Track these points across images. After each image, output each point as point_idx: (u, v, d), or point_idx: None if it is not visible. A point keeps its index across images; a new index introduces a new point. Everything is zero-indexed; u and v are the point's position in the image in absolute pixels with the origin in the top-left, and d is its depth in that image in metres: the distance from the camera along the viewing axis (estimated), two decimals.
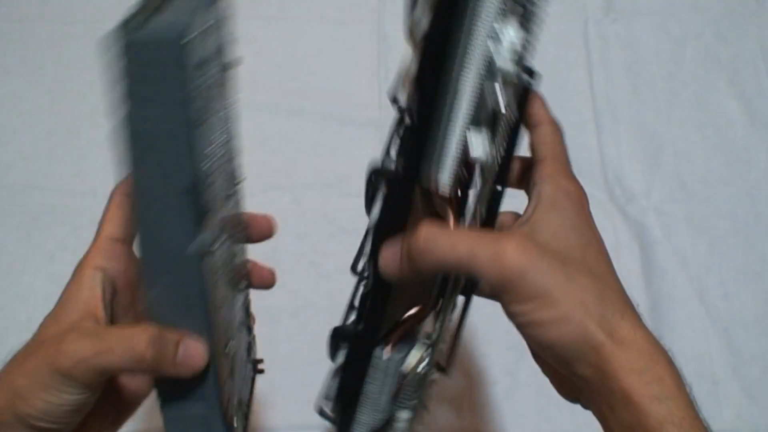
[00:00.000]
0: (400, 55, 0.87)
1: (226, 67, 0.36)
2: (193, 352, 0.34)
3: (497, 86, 0.33)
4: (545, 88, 0.83)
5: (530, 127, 0.38)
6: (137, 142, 0.30)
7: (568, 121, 0.82)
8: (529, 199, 0.36)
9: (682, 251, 0.70)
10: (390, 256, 0.34)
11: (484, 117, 0.34)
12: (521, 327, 0.33)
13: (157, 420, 0.36)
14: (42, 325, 0.37)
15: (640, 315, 0.34)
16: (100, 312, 0.36)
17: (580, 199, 0.36)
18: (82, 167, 0.73)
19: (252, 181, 0.73)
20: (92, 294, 0.36)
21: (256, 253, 0.71)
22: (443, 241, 0.33)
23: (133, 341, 0.33)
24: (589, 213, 0.37)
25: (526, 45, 0.35)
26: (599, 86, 0.77)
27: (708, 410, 0.70)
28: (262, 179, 0.72)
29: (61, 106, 0.75)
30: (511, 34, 0.33)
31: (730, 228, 0.72)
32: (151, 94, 0.29)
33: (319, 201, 0.72)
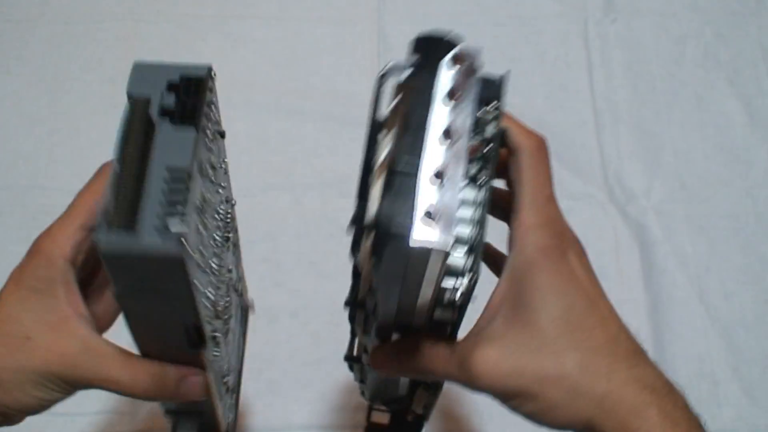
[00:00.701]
0: (400, 55, 0.86)
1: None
2: (193, 388, 0.36)
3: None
4: (546, 88, 0.83)
5: (509, 154, 0.36)
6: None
7: (568, 121, 0.83)
8: (508, 253, 0.35)
9: (682, 251, 0.70)
10: (381, 361, 0.37)
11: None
12: (518, 415, 0.34)
13: (159, 420, 0.36)
14: (7, 303, 0.36)
15: (633, 353, 0.33)
16: (84, 310, 0.36)
17: (560, 252, 0.34)
18: (82, 167, 0.72)
19: (252, 181, 0.73)
20: (70, 289, 0.36)
21: (256, 253, 0.71)
22: (422, 367, 0.35)
23: (137, 379, 0.35)
24: (573, 258, 0.34)
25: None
26: (599, 86, 0.77)
27: (708, 410, 0.70)
28: (262, 179, 0.72)
29: (61, 106, 0.75)
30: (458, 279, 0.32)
31: (730, 228, 0.72)
32: (163, 289, 0.31)
33: (319, 201, 0.72)
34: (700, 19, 0.80)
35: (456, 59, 0.32)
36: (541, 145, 0.35)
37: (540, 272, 0.33)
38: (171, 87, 0.32)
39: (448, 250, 0.28)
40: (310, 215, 0.71)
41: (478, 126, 0.33)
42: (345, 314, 0.40)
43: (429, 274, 0.30)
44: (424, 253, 0.29)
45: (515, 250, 0.34)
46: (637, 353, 0.34)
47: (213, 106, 0.35)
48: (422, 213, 0.29)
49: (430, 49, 0.32)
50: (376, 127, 0.34)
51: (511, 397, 0.33)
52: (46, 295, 0.35)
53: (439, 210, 0.29)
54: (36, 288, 0.36)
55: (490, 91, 0.34)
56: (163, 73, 0.33)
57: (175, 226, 0.28)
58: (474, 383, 0.33)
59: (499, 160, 0.34)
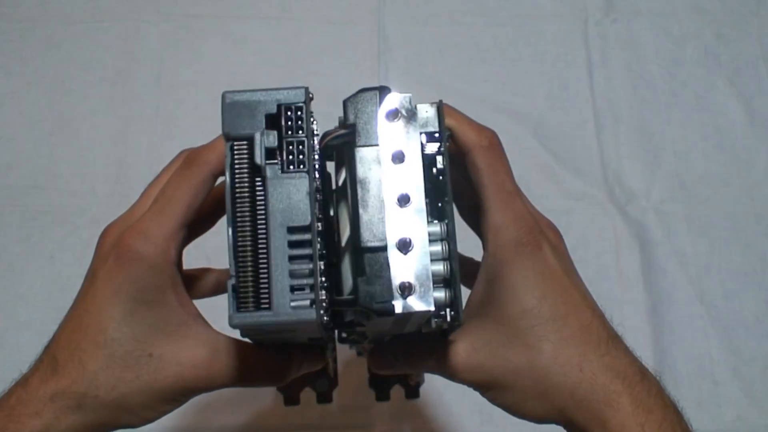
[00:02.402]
0: (400, 55, 0.87)
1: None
2: (313, 366, 0.40)
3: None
4: (546, 88, 0.83)
5: (462, 154, 0.35)
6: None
7: (568, 121, 0.83)
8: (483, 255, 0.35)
9: (682, 251, 0.70)
10: (376, 363, 0.39)
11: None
12: (498, 407, 0.35)
13: (164, 420, 0.35)
14: (112, 319, 0.32)
15: (606, 341, 0.33)
16: (196, 309, 0.35)
17: (532, 247, 0.33)
18: (82, 167, 0.73)
19: None
20: (180, 291, 0.34)
21: None
22: (410, 366, 0.37)
23: (270, 373, 0.36)
24: (547, 249, 0.34)
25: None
26: (599, 86, 0.77)
27: (708, 410, 0.70)
28: None
29: (61, 106, 0.75)
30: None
31: (730, 228, 0.72)
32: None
33: None
34: (700, 19, 0.80)
35: (391, 115, 0.32)
36: (493, 140, 0.34)
37: (511, 270, 0.33)
38: (270, 120, 0.30)
39: (430, 309, 0.30)
40: None
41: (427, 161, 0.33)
42: None
43: (415, 321, 0.32)
44: (408, 315, 0.30)
45: (487, 251, 0.34)
46: (611, 340, 0.33)
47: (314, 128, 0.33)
48: (399, 288, 0.30)
49: (363, 109, 0.32)
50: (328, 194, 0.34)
51: (487, 389, 0.34)
52: (157, 305, 0.32)
53: (414, 281, 0.30)
54: (143, 299, 0.32)
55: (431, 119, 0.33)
56: (258, 104, 0.30)
57: (307, 298, 0.29)
58: (452, 376, 0.34)
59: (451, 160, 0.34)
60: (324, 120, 0.34)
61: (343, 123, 0.32)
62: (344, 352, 0.65)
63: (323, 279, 0.32)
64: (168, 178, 0.34)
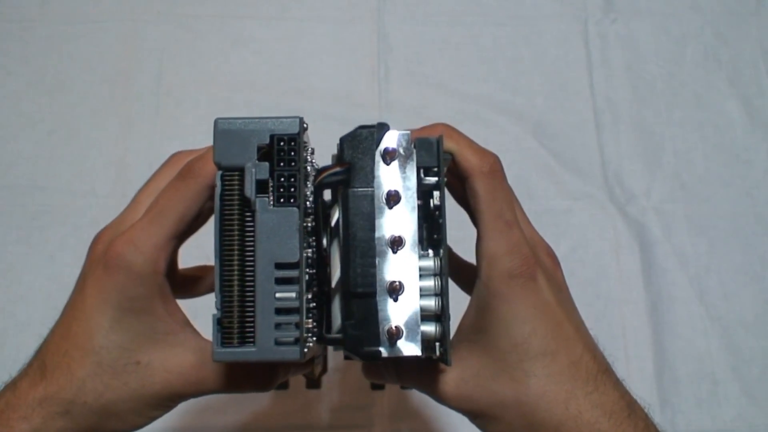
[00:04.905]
0: (400, 55, 0.87)
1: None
2: (302, 370, 0.40)
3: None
4: (546, 88, 0.83)
5: (463, 179, 0.34)
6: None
7: (568, 121, 0.82)
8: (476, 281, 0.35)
9: (682, 251, 0.70)
10: (369, 373, 0.39)
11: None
12: None
13: (164, 420, 0.36)
14: (99, 327, 0.32)
15: (595, 376, 0.33)
16: (184, 316, 0.35)
17: (525, 279, 0.33)
18: (82, 167, 0.73)
19: None
20: (168, 300, 0.34)
21: None
22: (402, 381, 0.37)
23: (257, 381, 0.35)
24: (541, 280, 0.33)
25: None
26: (599, 86, 0.77)
27: (708, 410, 0.70)
28: None
29: (61, 106, 0.75)
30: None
31: (730, 228, 0.72)
32: None
33: None
34: (700, 19, 0.80)
35: (388, 156, 0.31)
36: (494, 166, 0.33)
37: (503, 302, 0.33)
38: (262, 152, 0.30)
39: (418, 355, 0.30)
40: None
41: (423, 197, 0.32)
42: None
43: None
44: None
45: (480, 280, 0.33)
46: (600, 375, 0.33)
47: (309, 164, 0.32)
48: (386, 333, 0.30)
49: (359, 148, 0.32)
50: (319, 234, 0.34)
51: (475, 417, 0.34)
52: (144, 313, 0.33)
53: (403, 326, 0.30)
54: (130, 308, 0.32)
55: (429, 154, 0.32)
56: (251, 134, 0.30)
57: (292, 335, 0.29)
58: (441, 401, 0.35)
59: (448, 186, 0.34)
60: (323, 121, 0.33)
61: (339, 160, 0.32)
62: None
63: (312, 306, 0.32)
64: (159, 184, 0.34)
